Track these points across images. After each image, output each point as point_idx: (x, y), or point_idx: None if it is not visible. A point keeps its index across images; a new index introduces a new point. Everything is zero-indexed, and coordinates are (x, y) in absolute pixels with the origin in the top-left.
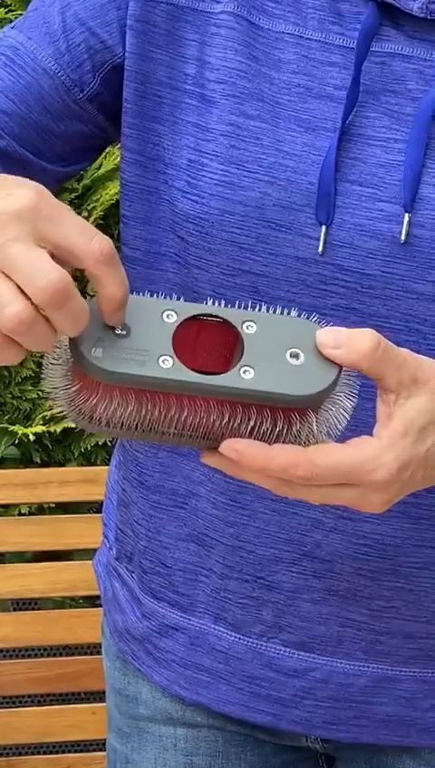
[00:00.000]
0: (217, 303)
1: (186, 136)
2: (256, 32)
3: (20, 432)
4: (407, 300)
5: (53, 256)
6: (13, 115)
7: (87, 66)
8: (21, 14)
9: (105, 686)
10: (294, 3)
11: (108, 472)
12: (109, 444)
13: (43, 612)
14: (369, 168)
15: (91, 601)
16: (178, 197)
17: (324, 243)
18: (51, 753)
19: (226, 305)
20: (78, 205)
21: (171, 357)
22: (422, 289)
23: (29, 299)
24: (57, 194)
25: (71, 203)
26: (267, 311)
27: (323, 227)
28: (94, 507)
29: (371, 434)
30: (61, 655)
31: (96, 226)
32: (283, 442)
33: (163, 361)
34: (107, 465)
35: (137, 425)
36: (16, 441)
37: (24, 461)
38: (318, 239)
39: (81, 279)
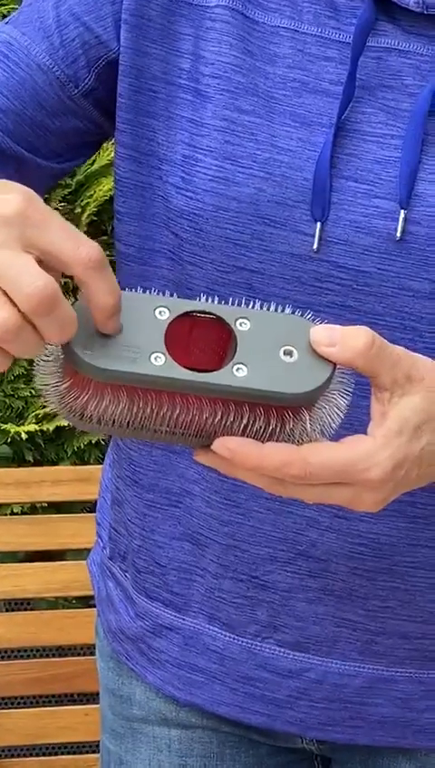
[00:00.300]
0: (210, 300)
1: (180, 131)
2: (251, 26)
3: (12, 431)
4: (402, 297)
5: (40, 263)
6: (7, 111)
7: (82, 61)
8: (15, 9)
9: (99, 687)
10: None
11: (101, 471)
12: (102, 443)
13: (35, 613)
14: (364, 165)
15: (85, 602)
16: (172, 193)
17: (319, 239)
18: (43, 754)
19: (220, 302)
20: (71, 201)
21: (163, 354)
22: (418, 286)
23: (16, 306)
24: (50, 190)
25: (64, 199)
26: (261, 308)
27: (319, 224)
28: (88, 506)
29: (365, 432)
30: (54, 656)
31: (90, 222)
32: (276, 440)
33: (155, 358)
34: (100, 463)
35: (129, 422)
36: (9, 440)
37: (17, 460)
38: (313, 236)
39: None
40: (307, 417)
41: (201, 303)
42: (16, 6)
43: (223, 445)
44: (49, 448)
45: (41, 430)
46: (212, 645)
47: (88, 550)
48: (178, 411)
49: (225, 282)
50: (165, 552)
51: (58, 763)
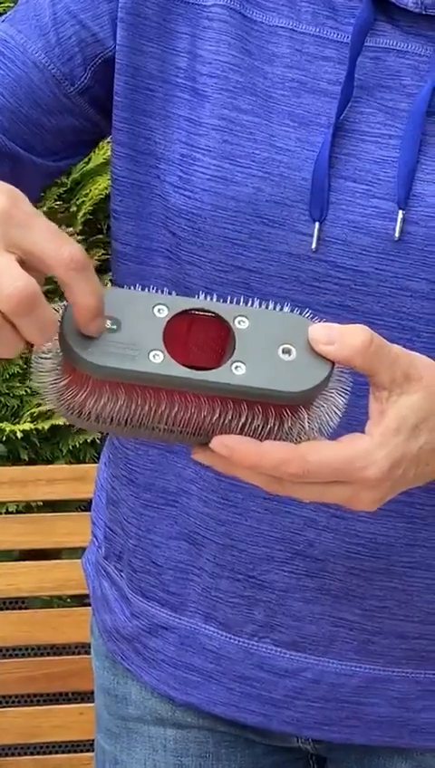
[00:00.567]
0: (209, 298)
1: (178, 130)
2: (249, 25)
3: (7, 429)
4: (400, 297)
5: (23, 263)
6: (2, 109)
7: (78, 59)
8: (10, 7)
9: (93, 686)
10: None
11: (97, 470)
12: (97, 441)
13: (30, 612)
14: (363, 165)
15: (80, 601)
16: (170, 192)
17: (318, 239)
18: (38, 753)
19: (217, 300)
20: (67, 199)
21: (162, 352)
22: (416, 286)
23: None
24: (46, 188)
25: (59, 197)
26: (260, 306)
27: (317, 224)
28: (83, 505)
29: (362, 431)
30: (48, 655)
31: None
32: (274, 439)
33: (154, 356)
34: (95, 462)
35: (127, 420)
36: (4, 438)
37: (12, 459)
38: (311, 235)
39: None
40: (305, 416)
41: (200, 301)
42: (12, 4)
43: (221, 443)
44: (44, 447)
45: (36, 429)
46: (208, 644)
47: (83, 549)
48: (176, 409)
49: (223, 281)
50: (161, 551)
51: (52, 762)
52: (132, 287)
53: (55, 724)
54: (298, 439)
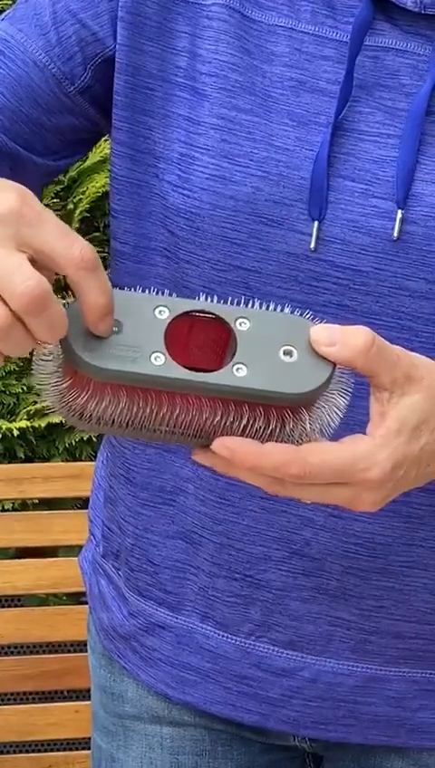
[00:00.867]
0: (209, 299)
1: (177, 129)
2: (248, 24)
3: (4, 427)
4: (399, 297)
5: (33, 262)
6: (3, 108)
7: (78, 59)
8: (9, 5)
9: (89, 683)
10: None
11: (94, 468)
12: (94, 440)
13: (26, 609)
14: (362, 164)
15: (76, 598)
16: (168, 191)
17: (316, 238)
18: (33, 751)
19: (217, 301)
20: (64, 197)
21: (163, 354)
22: (414, 286)
23: (7, 304)
24: (43, 186)
25: (57, 195)
26: (260, 307)
27: (316, 223)
28: (79, 503)
29: (361, 431)
30: (44, 652)
31: (82, 219)
32: (275, 440)
33: (155, 358)
34: (92, 460)
35: (128, 422)
36: (0, 436)
37: (8, 456)
38: (310, 235)
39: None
40: (307, 417)
41: (201, 303)
42: (11, 2)
43: (222, 444)
44: (40, 445)
45: (32, 427)
46: (205, 644)
47: (79, 546)
48: (177, 411)
49: (221, 280)
50: (159, 550)
51: (48, 760)
52: (132, 288)
53: (51, 722)
54: (299, 441)
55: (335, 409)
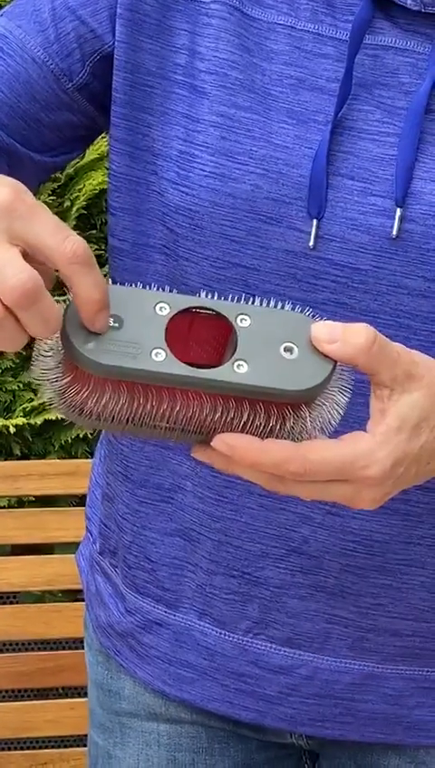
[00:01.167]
0: (209, 296)
1: (175, 126)
2: (248, 22)
3: (0, 424)
4: (398, 295)
5: (27, 256)
6: (0, 104)
7: (76, 55)
8: (7, 2)
9: (85, 681)
10: None
11: (92, 466)
12: (90, 436)
13: (21, 606)
14: (361, 162)
15: (72, 596)
16: (168, 189)
17: (315, 236)
18: (29, 748)
19: (218, 298)
20: (61, 194)
21: (164, 350)
22: (413, 284)
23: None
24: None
25: (53, 192)
26: (261, 304)
27: (315, 221)
28: (75, 500)
29: (362, 429)
30: (39, 649)
31: (79, 216)
32: (275, 437)
33: (156, 354)
34: (88, 458)
35: (128, 418)
36: None
37: (4, 453)
38: (309, 233)
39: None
40: (307, 414)
41: (202, 299)
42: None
43: (222, 441)
44: (36, 442)
45: (28, 424)
46: (203, 641)
47: (75, 544)
48: (178, 407)
49: (220, 278)
50: (156, 547)
51: (43, 757)
52: (131, 284)
53: (47, 719)
54: (299, 438)
55: (336, 407)
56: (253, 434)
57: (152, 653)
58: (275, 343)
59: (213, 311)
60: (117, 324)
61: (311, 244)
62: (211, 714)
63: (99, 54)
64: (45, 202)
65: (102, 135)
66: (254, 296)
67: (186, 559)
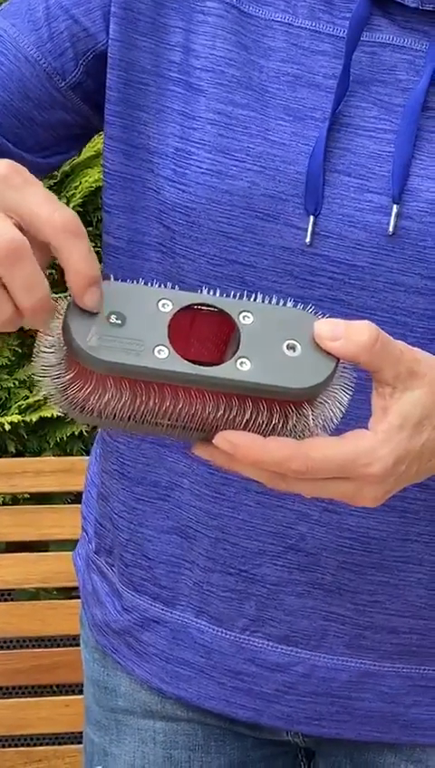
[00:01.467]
0: (211, 293)
1: (171, 124)
2: (245, 19)
3: None
4: (394, 292)
5: (22, 230)
6: None
7: (70, 54)
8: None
9: (80, 678)
10: None
11: (87, 465)
12: (85, 434)
13: (16, 603)
14: (358, 159)
15: (66, 593)
16: (164, 186)
17: (312, 233)
18: (23, 745)
19: (219, 295)
20: (57, 191)
21: (167, 347)
22: (409, 281)
23: None
24: None
25: (49, 190)
26: (263, 301)
27: (311, 218)
28: (70, 498)
29: (364, 427)
30: (34, 647)
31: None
32: (277, 435)
33: (158, 351)
34: (83, 455)
35: (130, 416)
36: None
37: None
38: (306, 229)
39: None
40: (310, 412)
41: (204, 296)
42: None
43: (224, 439)
44: (31, 439)
45: (23, 421)
46: (200, 638)
47: (70, 541)
48: (180, 405)
49: (217, 275)
50: (153, 545)
51: (38, 754)
52: (135, 281)
53: (42, 716)
54: (301, 435)
55: (338, 404)
56: (255, 431)
57: (149, 651)
58: (278, 341)
59: (215, 307)
60: (119, 321)
61: (308, 240)
62: (207, 711)
63: (92, 53)
64: None
65: (101, 133)
66: (255, 293)
67: (183, 556)
